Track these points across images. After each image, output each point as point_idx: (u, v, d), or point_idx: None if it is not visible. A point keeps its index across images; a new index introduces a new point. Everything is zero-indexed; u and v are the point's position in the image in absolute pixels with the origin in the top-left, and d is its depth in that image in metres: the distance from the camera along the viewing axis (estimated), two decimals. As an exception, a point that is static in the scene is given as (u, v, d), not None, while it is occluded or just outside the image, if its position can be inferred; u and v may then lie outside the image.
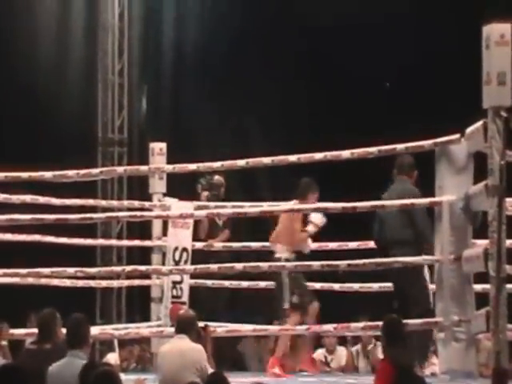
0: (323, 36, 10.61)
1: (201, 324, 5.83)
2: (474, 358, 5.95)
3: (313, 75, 10.86)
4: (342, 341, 8.66)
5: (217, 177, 8.33)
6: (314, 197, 7.42)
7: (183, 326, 5.58)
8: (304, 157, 6.84)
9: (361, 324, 6.69)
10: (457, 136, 6.23)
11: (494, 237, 5.51)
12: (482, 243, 5.89)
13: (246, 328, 7.15)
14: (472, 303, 6.07)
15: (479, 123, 5.74)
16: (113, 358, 8.78)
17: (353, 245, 7.66)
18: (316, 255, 7.43)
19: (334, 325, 6.60)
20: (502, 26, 5.53)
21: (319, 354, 8.67)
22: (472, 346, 5.96)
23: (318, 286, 7.80)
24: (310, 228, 7.50)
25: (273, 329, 7.27)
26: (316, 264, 6.67)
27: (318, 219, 7.48)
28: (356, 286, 7.74)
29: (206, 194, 8.42)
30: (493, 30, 5.52)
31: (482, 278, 5.90)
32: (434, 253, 6.39)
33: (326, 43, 10.71)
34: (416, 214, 6.64)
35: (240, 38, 10.88)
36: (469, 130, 6.03)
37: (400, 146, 6.51)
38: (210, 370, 5.42)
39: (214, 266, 7.08)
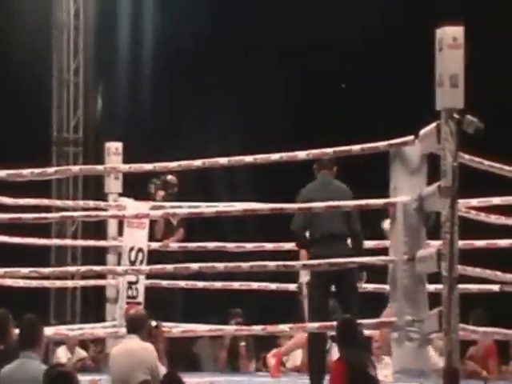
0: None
1: (153, 323, 5.81)
2: (428, 357, 6.01)
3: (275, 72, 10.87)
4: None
5: (170, 176, 8.32)
6: None
7: (133, 326, 5.58)
8: (260, 157, 6.85)
9: (316, 324, 6.72)
10: (411, 138, 6.28)
11: (446, 237, 5.56)
12: (435, 244, 5.95)
13: (202, 328, 7.15)
14: (425, 303, 6.12)
15: (432, 125, 5.80)
16: (62, 351, 8.72)
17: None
18: (271, 255, 7.45)
19: (290, 325, 6.62)
20: (455, 29, 5.58)
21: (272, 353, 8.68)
22: (425, 345, 6.01)
23: (273, 286, 7.83)
24: None
25: (228, 329, 7.28)
26: (272, 264, 6.70)
27: None
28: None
29: (162, 193, 8.40)
30: (446, 33, 5.57)
31: (434, 278, 5.97)
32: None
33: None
34: (354, 212, 6.68)
35: (196, 35, 10.87)
36: (422, 131, 6.08)
37: (355, 147, 6.55)
38: (162, 369, 5.42)
39: (169, 267, 7.07)
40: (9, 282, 7.48)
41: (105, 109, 11.64)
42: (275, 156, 6.81)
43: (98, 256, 8.83)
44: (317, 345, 6.68)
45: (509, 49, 10.10)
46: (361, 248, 6.76)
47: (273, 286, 7.87)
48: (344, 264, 6.51)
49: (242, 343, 8.73)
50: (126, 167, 7.55)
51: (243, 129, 10.87)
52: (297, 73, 10.84)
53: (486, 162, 6.36)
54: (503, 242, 7.11)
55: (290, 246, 7.66)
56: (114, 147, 8.19)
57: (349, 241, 6.79)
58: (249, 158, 6.89)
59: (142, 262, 7.80)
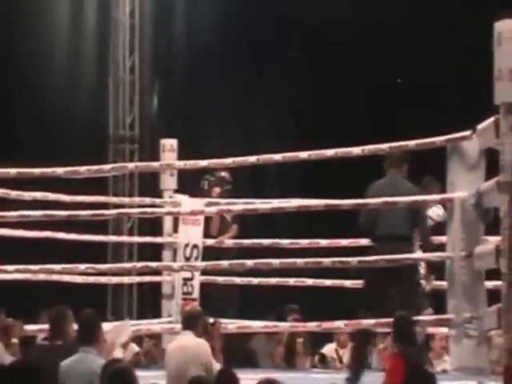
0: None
1: (210, 320, 5.83)
2: (486, 355, 5.94)
3: (322, 68, 10.83)
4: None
5: (224, 173, 8.33)
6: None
7: (188, 322, 5.61)
8: (315, 153, 6.84)
9: (372, 321, 6.68)
10: (468, 132, 6.22)
11: (505, 233, 5.50)
12: (494, 240, 5.88)
13: (257, 325, 7.16)
14: (484, 300, 6.05)
15: (491, 119, 5.73)
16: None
17: (364, 241, 7.65)
18: (328, 252, 7.43)
19: (345, 321, 6.59)
20: (514, 22, 5.52)
21: (331, 348, 8.67)
22: (484, 342, 5.94)
23: (328, 282, 7.80)
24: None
25: (283, 325, 7.27)
26: (327, 261, 6.68)
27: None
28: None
29: (217, 190, 8.42)
30: (505, 26, 5.50)
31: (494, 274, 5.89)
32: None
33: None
34: (422, 211, 6.57)
35: (250, 34, 10.88)
36: (480, 126, 6.01)
37: (411, 143, 6.51)
38: (217, 365, 5.43)
39: (224, 263, 7.09)
40: (66, 278, 7.57)
41: (160, 106, 11.70)
42: (330, 152, 6.80)
43: (153, 252, 8.89)
44: (363, 340, 6.65)
45: None
46: (429, 250, 6.60)
47: (328, 282, 7.84)
48: (400, 260, 6.46)
49: (300, 340, 8.71)
50: (180, 164, 7.59)
51: (296, 124, 10.84)
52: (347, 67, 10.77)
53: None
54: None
55: (345, 242, 7.64)
56: (169, 144, 8.23)
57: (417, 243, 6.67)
58: (303, 155, 6.88)
59: (196, 259, 7.83)
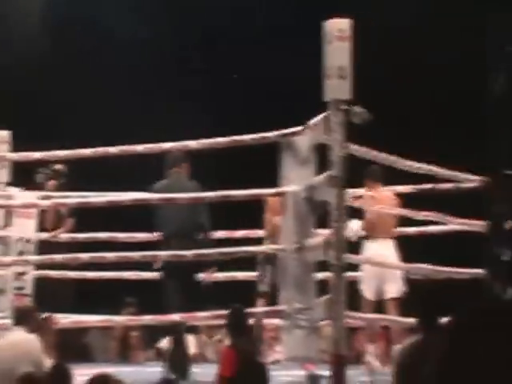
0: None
1: (43, 315, 5.74)
2: (316, 345, 6.09)
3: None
4: (193, 329, 8.72)
5: (60, 166, 8.21)
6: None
7: (19, 318, 5.51)
8: (151, 147, 6.85)
9: (207, 313, 6.75)
10: (300, 128, 6.36)
11: (334, 226, 5.66)
12: (324, 233, 6.04)
13: (92, 319, 7.09)
14: (314, 291, 6.21)
15: (321, 115, 5.88)
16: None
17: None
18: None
19: (181, 314, 6.63)
20: (342, 21, 5.68)
21: (166, 343, 8.67)
22: (314, 332, 6.10)
23: (145, 275, 7.80)
24: None
25: (118, 319, 7.23)
26: (163, 253, 6.69)
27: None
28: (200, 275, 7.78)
29: (52, 182, 8.27)
30: (333, 25, 5.67)
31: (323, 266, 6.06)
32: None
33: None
34: (204, 207, 6.86)
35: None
36: (312, 122, 6.16)
37: (246, 137, 6.60)
38: (48, 362, 5.35)
39: (58, 257, 6.98)
40: None
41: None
42: (166, 145, 6.81)
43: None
44: (179, 333, 6.78)
45: (400, 43, 10.31)
46: (210, 242, 6.92)
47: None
48: (236, 254, 6.57)
49: (134, 333, 8.69)
50: (13, 155, 7.42)
51: (125, 118, 10.77)
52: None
53: (373, 152, 6.49)
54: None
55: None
56: (2, 136, 8.03)
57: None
58: (139, 148, 6.87)
59: (30, 253, 7.68)
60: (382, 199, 7.28)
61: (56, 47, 10.99)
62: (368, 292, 7.20)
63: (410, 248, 7.22)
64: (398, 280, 7.14)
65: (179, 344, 6.82)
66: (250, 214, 7.26)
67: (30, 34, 10.78)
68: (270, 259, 6.86)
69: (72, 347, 7.44)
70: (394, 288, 7.14)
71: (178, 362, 6.68)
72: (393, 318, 7.01)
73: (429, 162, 6.97)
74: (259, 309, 6.50)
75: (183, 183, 7.01)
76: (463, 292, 4.89)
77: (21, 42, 10.85)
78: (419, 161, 6.92)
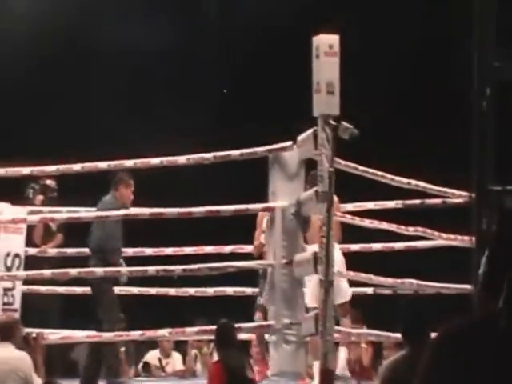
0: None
1: (33, 334, 5.72)
2: (303, 360, 6.10)
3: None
4: (181, 344, 8.71)
5: (49, 181, 8.20)
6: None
7: (5, 333, 5.48)
8: (141, 161, 6.86)
9: (195, 328, 6.75)
10: (289, 143, 6.38)
11: (323, 241, 5.68)
12: (312, 248, 6.06)
13: (80, 334, 7.08)
14: (302, 306, 6.22)
15: (310, 131, 5.91)
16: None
17: (188, 250, 7.72)
18: (152, 260, 7.44)
19: (170, 329, 6.62)
20: (331, 37, 5.72)
21: (153, 356, 8.67)
22: (301, 347, 6.11)
23: (153, 291, 7.81)
24: None
25: (106, 335, 7.22)
26: (151, 269, 6.70)
27: None
28: (191, 291, 7.79)
29: (41, 197, 8.27)
30: (322, 41, 5.70)
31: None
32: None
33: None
34: (98, 225, 7.02)
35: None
36: (300, 137, 6.19)
37: (235, 153, 6.62)
38: (38, 381, 5.34)
39: (47, 272, 6.97)
40: None
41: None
42: (155, 160, 6.83)
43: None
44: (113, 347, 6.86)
45: (384, 58, 10.37)
46: None
47: (153, 290, 7.85)
48: (223, 269, 6.59)
49: (122, 349, 8.67)
50: (2, 171, 7.42)
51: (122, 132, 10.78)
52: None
53: (361, 168, 6.52)
54: (376, 246, 7.29)
55: (169, 250, 7.68)
56: (-10, 151, 8.02)
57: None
58: (129, 163, 6.88)
59: (18, 268, 7.66)
60: None
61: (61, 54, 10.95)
62: (310, 299, 6.88)
63: (398, 263, 7.23)
64: (341, 285, 6.88)
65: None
66: (239, 229, 7.27)
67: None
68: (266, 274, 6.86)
69: (59, 363, 7.42)
70: (338, 295, 6.87)
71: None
72: (376, 332, 6.94)
73: (417, 178, 7.01)
74: (247, 324, 6.50)
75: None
76: (450, 307, 4.91)
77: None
78: (407, 176, 6.95)
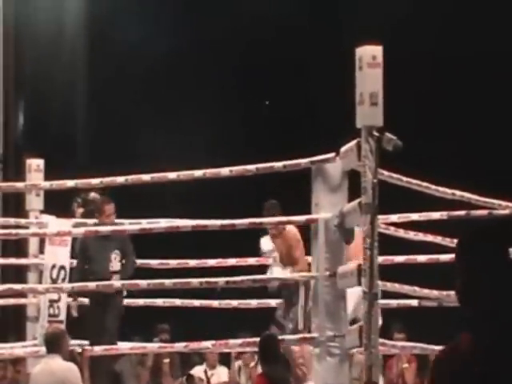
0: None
1: (78, 349, 5.75)
2: (347, 372, 6.06)
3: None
4: (226, 356, 8.71)
5: (93, 194, 8.26)
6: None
7: (52, 345, 5.51)
8: (184, 174, 6.88)
9: (239, 341, 6.73)
10: (332, 155, 6.36)
11: (367, 253, 5.64)
12: (356, 260, 6.02)
13: (124, 346, 7.10)
14: (346, 318, 6.19)
15: (353, 142, 5.88)
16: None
17: (231, 261, 7.71)
18: (195, 272, 7.45)
19: (213, 341, 6.62)
20: (374, 48, 5.69)
21: (199, 370, 8.68)
22: (345, 360, 6.07)
23: (197, 303, 7.82)
24: None
25: (150, 346, 7.25)
26: (195, 281, 6.70)
27: None
28: (235, 303, 7.79)
29: (80, 210, 8.34)
30: (365, 52, 5.68)
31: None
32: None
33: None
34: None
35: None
36: (343, 149, 6.16)
37: (278, 164, 6.61)
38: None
39: (91, 284, 7.01)
40: None
41: (26, 126, 11.48)
42: (198, 173, 6.84)
43: (18, 274, 8.69)
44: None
45: (426, 68, 10.32)
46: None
47: (196, 302, 7.86)
48: (266, 281, 6.58)
49: (166, 360, 8.69)
50: (47, 184, 7.48)
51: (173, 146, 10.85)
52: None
53: (405, 179, 6.47)
54: (421, 258, 7.23)
55: (213, 262, 7.68)
56: (36, 164, 8.10)
57: None
58: (172, 175, 6.90)
59: (64, 280, 7.71)
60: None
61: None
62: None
63: (445, 275, 7.16)
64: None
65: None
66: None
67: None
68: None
69: (103, 375, 7.45)
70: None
71: None
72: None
73: (462, 189, 6.94)
74: (291, 336, 6.47)
75: None
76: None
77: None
78: (452, 187, 6.89)
